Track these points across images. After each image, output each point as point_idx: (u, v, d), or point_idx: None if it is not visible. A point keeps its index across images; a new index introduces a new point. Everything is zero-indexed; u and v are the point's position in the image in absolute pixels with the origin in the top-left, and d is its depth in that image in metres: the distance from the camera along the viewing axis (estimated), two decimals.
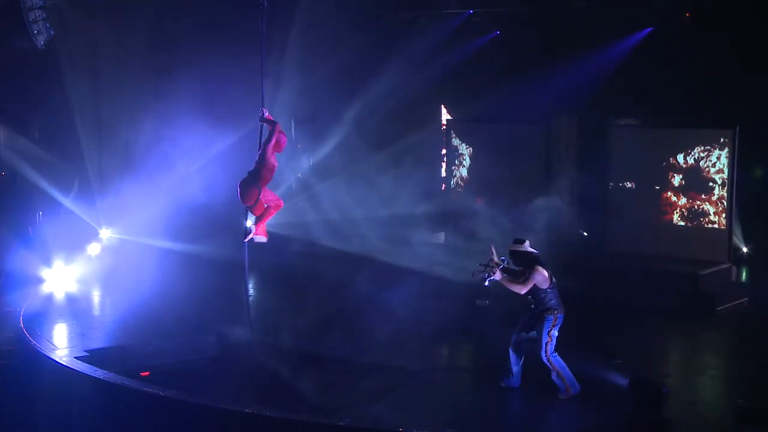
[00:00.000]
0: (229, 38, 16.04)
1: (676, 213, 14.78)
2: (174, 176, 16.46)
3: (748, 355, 11.38)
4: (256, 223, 10.14)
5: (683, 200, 14.69)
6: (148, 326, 11.89)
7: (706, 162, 14.39)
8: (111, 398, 9.48)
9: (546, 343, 9.42)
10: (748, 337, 12.09)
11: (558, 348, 9.49)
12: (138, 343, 10.99)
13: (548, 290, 9.47)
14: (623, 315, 12.67)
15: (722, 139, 14.17)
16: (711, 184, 14.36)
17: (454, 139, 17.46)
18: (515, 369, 9.73)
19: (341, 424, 8.37)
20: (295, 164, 18.29)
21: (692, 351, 11.82)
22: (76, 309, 13.08)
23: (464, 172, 17.25)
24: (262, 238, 10.33)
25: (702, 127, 14.66)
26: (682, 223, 14.72)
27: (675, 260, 14.25)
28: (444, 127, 18.48)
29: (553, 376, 9.49)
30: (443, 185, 18.05)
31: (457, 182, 17.42)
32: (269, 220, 10.25)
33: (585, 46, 15.90)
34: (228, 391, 9.76)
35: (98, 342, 11.40)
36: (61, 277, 14.28)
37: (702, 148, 14.40)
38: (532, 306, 9.58)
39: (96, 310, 13.51)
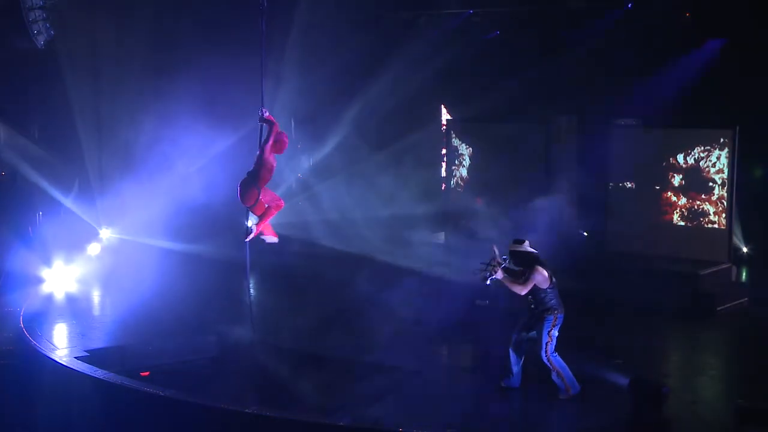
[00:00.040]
0: (229, 38, 16.04)
1: (676, 213, 14.79)
2: (174, 176, 16.46)
3: (748, 355, 11.38)
4: (258, 223, 10.14)
5: (683, 200, 14.69)
6: (148, 326, 11.89)
7: (706, 162, 14.39)
8: (111, 398, 9.49)
9: (546, 343, 9.42)
10: (748, 337, 12.10)
11: (558, 348, 9.48)
12: (138, 343, 10.99)
13: (548, 290, 9.46)
14: (623, 315, 12.68)
15: (722, 139, 14.18)
16: (711, 184, 14.36)
17: (454, 139, 17.46)
18: (515, 369, 9.73)
19: (341, 424, 8.38)
20: (295, 164, 18.29)
21: (692, 351, 11.82)
22: (76, 309, 13.09)
23: (464, 172, 17.26)
24: (273, 239, 10.31)
25: (702, 127, 14.66)
26: (682, 223, 14.72)
27: (675, 260, 14.26)
28: (444, 127, 18.48)
29: (553, 376, 9.49)
30: (443, 185, 18.06)
31: (457, 182, 17.43)
32: (271, 220, 10.25)
33: (585, 46, 15.91)
34: (228, 391, 9.75)
35: (98, 342, 11.40)
36: (61, 277, 14.29)
37: (702, 148, 14.40)
38: (532, 306, 9.58)
39: (96, 310, 13.52)
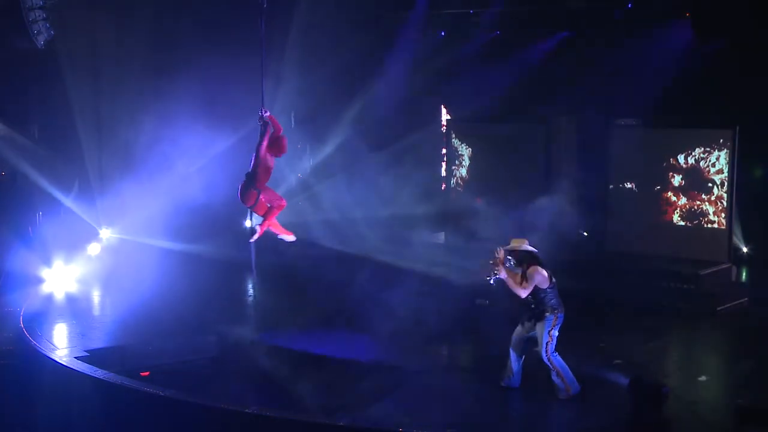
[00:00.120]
0: (229, 38, 16.03)
1: (676, 213, 14.79)
2: (174, 176, 16.45)
3: (748, 355, 11.37)
4: (262, 223, 10.14)
5: (683, 200, 14.69)
6: (148, 326, 11.90)
7: (706, 162, 14.39)
8: (111, 398, 9.49)
9: (546, 343, 9.42)
10: (748, 337, 12.07)
11: (558, 348, 9.48)
12: (138, 343, 11.00)
13: (548, 290, 9.47)
14: (623, 315, 12.67)
15: (722, 140, 14.18)
16: (711, 184, 14.36)
17: (454, 139, 17.46)
18: (515, 369, 9.74)
19: (341, 424, 8.38)
20: (295, 164, 18.29)
21: (692, 351, 11.82)
22: (76, 309, 13.08)
23: (464, 172, 17.26)
24: (290, 237, 10.29)
25: (702, 127, 14.66)
26: (682, 223, 14.73)
27: (675, 260, 14.26)
28: (444, 127, 18.48)
29: (553, 376, 9.49)
30: (443, 185, 18.05)
31: (457, 182, 17.43)
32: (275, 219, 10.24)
33: (585, 45, 15.90)
34: (228, 391, 9.76)
35: (98, 342, 11.40)
36: (61, 277, 14.29)
37: (702, 148, 14.40)
38: (533, 306, 9.58)
39: (96, 310, 13.51)
